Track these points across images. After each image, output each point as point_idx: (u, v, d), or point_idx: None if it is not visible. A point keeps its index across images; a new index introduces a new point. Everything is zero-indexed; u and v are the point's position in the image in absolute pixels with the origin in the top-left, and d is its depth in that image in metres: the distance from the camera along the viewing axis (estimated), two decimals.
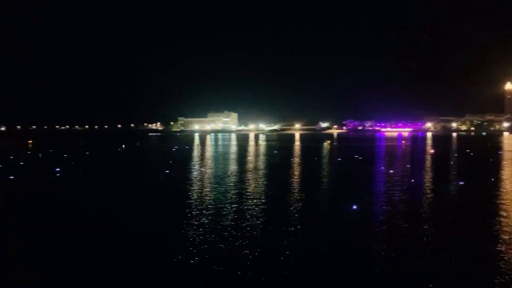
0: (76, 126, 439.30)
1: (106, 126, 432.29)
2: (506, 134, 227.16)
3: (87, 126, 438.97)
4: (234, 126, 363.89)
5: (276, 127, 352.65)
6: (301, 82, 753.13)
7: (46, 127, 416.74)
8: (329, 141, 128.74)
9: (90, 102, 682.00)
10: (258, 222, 21.25)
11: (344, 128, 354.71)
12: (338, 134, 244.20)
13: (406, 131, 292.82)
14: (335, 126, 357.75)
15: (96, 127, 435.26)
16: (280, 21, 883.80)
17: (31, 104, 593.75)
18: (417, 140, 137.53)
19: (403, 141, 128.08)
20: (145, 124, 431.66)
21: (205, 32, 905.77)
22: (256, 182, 35.14)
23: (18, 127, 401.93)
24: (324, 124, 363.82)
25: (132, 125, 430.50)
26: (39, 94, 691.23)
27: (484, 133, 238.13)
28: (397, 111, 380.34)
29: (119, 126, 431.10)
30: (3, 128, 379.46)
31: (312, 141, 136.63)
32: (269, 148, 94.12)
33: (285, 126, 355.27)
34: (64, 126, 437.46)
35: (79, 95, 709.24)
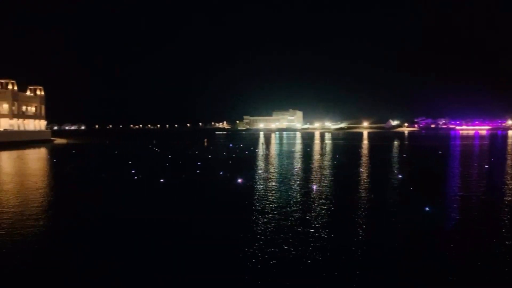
0: (149, 125, 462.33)
1: (176, 125, 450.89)
2: None
3: (158, 125, 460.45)
4: (299, 125, 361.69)
5: (342, 125, 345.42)
6: (369, 79, 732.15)
7: (121, 126, 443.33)
8: (397, 141, 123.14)
9: (160, 103, 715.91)
10: (329, 220, 20.42)
11: (416, 126, 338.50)
12: (409, 133, 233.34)
13: (484, 129, 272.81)
14: (406, 124, 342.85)
15: (167, 126, 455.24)
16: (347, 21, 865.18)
17: (105, 105, 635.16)
18: (496, 139, 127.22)
19: (481, 140, 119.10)
20: (212, 123, 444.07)
21: (272, 32, 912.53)
22: (323, 181, 34.15)
23: (96, 126, 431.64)
24: (394, 122, 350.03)
25: (200, 124, 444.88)
26: (112, 95, 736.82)
27: None
28: (474, 108, 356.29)
29: (188, 125, 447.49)
30: (83, 127, 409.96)
31: (381, 140, 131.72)
32: (335, 146, 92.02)
33: (352, 124, 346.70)
34: (138, 125, 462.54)
35: (150, 96, 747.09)
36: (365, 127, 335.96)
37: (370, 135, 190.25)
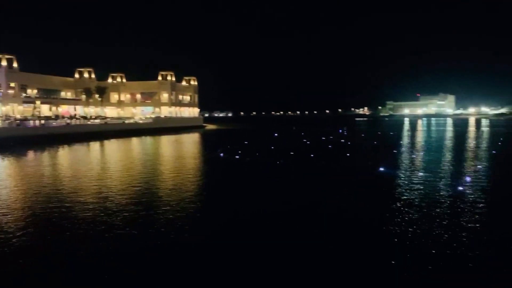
0: (289, 112, 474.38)
1: (315, 112, 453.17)
2: None
3: (298, 112, 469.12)
4: (450, 110, 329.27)
5: (503, 110, 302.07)
6: None
7: (263, 113, 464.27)
8: None
9: (300, 89, 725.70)
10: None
11: None
12: None
13: None
14: None
15: (306, 112, 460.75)
16: None
17: (249, 94, 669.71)
18: None
19: None
20: (352, 109, 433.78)
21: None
22: (478, 174, 30.27)
23: (242, 113, 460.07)
24: None
25: (339, 110, 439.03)
26: (256, 85, 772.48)
27: None
28: None
29: (327, 111, 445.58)
30: (230, 114, 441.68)
31: None
32: (494, 135, 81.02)
33: None
34: (279, 112, 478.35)
35: (292, 84, 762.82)
36: None
37: None
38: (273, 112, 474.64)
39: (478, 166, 34.87)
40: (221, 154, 47.33)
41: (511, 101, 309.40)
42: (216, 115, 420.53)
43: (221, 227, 18.04)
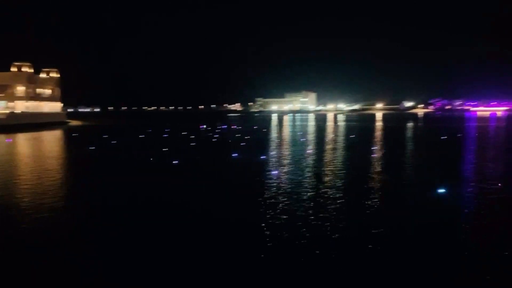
0: (162, 107, 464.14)
1: (189, 107, 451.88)
2: None
3: (171, 107, 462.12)
4: (312, 106, 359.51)
5: (356, 107, 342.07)
6: (382, 59, 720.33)
7: (135, 108, 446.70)
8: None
9: (174, 84, 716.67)
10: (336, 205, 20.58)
11: (431, 107, 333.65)
12: (425, 114, 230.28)
13: (500, 111, 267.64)
14: (421, 106, 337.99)
15: (180, 108, 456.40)
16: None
17: (119, 88, 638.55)
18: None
19: (499, 122, 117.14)
20: (225, 105, 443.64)
21: (286, 15, 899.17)
22: (335, 162, 34.23)
23: (111, 108, 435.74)
24: (408, 104, 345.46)
25: (213, 106, 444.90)
26: (126, 77, 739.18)
27: None
28: (490, 89, 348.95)
29: (201, 107, 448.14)
30: (97, 109, 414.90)
31: (394, 121, 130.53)
32: (348, 128, 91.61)
33: (365, 106, 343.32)
34: (151, 107, 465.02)
35: (162, 77, 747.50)
36: (378, 109, 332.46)
37: (384, 116, 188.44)
38: (144, 108, 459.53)
39: (335, 155, 39.35)
40: (88, 152, 44.63)
41: (363, 98, 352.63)
42: (81, 110, 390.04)
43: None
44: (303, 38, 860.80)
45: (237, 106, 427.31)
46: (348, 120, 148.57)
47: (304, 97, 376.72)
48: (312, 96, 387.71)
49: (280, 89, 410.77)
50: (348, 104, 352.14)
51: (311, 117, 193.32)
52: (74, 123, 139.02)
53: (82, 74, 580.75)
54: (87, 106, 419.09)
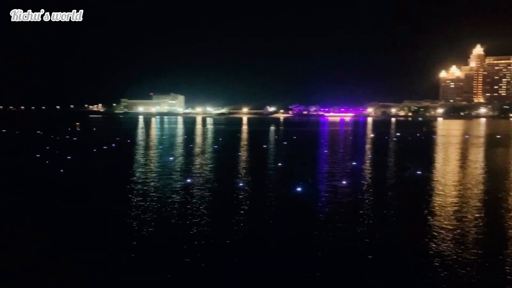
0: (11, 107, 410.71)
1: (43, 107, 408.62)
2: (440, 119, 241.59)
3: (22, 107, 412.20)
4: (180, 109, 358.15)
5: (223, 110, 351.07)
6: (249, 67, 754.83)
7: None
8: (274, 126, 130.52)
9: (28, 82, 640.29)
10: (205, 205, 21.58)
11: (290, 112, 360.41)
12: (284, 119, 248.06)
13: (348, 116, 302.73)
14: (282, 111, 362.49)
15: (32, 107, 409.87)
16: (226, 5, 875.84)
17: None
18: (358, 125, 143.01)
19: (346, 126, 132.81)
20: (85, 105, 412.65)
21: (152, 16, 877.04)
22: (203, 166, 35.31)
23: None
24: (271, 109, 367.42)
25: (71, 106, 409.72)
26: None
27: (420, 119, 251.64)
28: (340, 97, 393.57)
29: (58, 107, 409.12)
30: None
31: (259, 125, 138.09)
32: (216, 132, 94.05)
33: (233, 109, 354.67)
34: None
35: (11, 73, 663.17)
36: (244, 113, 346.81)
37: (249, 120, 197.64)
38: None
39: (204, 161, 40.52)
40: None
41: (230, 102, 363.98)
42: None
43: None
44: (180, 44, 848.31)
45: (99, 107, 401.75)
46: (216, 123, 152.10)
47: (172, 99, 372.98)
48: (181, 98, 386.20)
49: (147, 90, 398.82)
50: (216, 108, 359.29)
51: (180, 119, 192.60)
52: None
53: None
54: None
